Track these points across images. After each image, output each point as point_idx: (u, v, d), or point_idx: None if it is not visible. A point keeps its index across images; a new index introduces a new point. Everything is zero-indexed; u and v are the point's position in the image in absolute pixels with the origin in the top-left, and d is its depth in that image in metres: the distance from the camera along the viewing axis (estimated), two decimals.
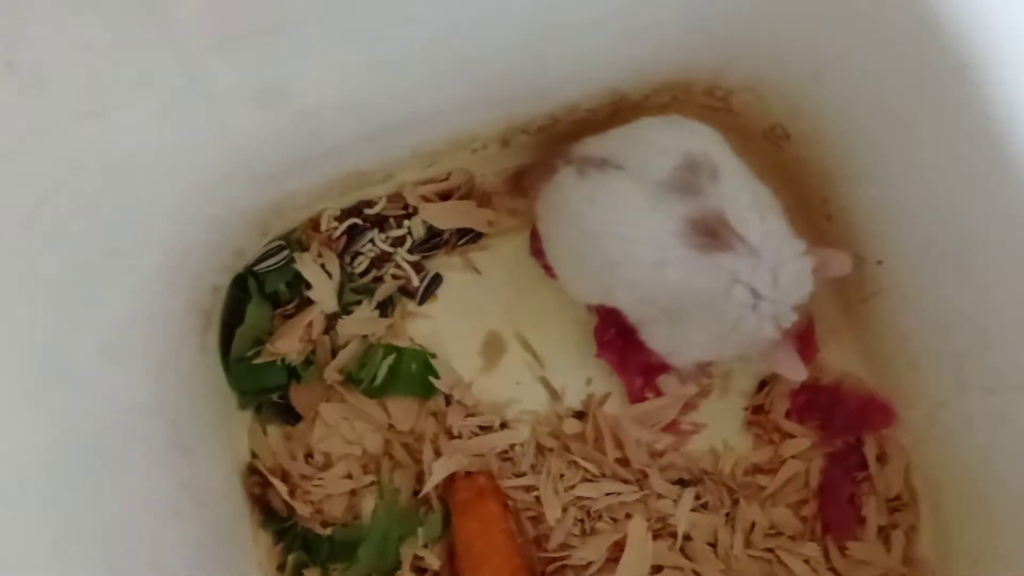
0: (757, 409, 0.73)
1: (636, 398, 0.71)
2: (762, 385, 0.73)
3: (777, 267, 0.57)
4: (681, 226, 0.57)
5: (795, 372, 0.59)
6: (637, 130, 0.62)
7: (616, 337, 0.70)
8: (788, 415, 0.71)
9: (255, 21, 0.44)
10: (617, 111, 0.71)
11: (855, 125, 0.65)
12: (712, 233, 0.57)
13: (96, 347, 0.51)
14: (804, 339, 0.72)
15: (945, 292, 0.61)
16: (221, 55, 0.45)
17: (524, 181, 0.69)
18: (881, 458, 0.71)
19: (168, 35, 0.41)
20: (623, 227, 0.58)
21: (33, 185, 0.40)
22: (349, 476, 0.69)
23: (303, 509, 0.67)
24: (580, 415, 0.72)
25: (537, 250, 0.70)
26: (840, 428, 0.71)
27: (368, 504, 0.68)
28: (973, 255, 0.58)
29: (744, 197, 0.58)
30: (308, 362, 0.70)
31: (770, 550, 0.69)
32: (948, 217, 0.59)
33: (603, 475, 0.70)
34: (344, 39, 0.49)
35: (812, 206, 0.72)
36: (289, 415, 0.70)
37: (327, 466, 0.70)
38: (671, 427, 0.71)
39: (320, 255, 0.71)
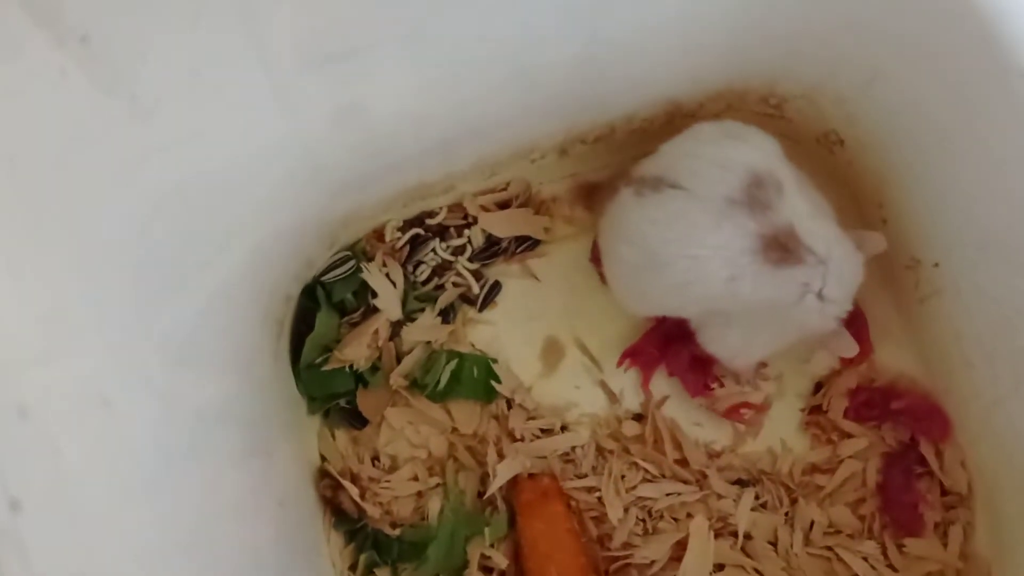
0: (814, 410, 0.74)
1: (697, 391, 0.72)
2: (818, 387, 0.74)
3: (841, 271, 0.59)
4: (754, 243, 0.58)
5: (848, 348, 0.62)
6: (690, 144, 0.62)
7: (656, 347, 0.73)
8: (846, 414, 0.72)
9: (340, 43, 0.46)
10: (671, 120, 0.73)
11: (909, 129, 0.66)
12: (784, 248, 0.58)
13: (180, 356, 0.53)
14: (859, 338, 0.73)
15: (1003, 291, 0.62)
16: (308, 74, 0.47)
17: (593, 198, 0.71)
18: (937, 455, 0.72)
19: (264, 58, 0.43)
20: (690, 246, 0.59)
21: (141, 205, 0.42)
22: (415, 478, 0.71)
23: (373, 510, 0.69)
24: (639, 417, 0.74)
25: (596, 257, 0.72)
26: (896, 431, 0.72)
27: (435, 505, 0.70)
28: None
29: (806, 208, 0.60)
30: (374, 368, 0.72)
31: (829, 548, 0.70)
32: (1005, 211, 0.59)
33: (663, 476, 0.71)
34: (419, 58, 0.51)
35: (867, 210, 0.73)
36: (356, 419, 0.72)
37: (393, 469, 0.72)
38: (733, 413, 0.72)
39: (385, 264, 0.73)
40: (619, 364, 0.74)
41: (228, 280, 0.54)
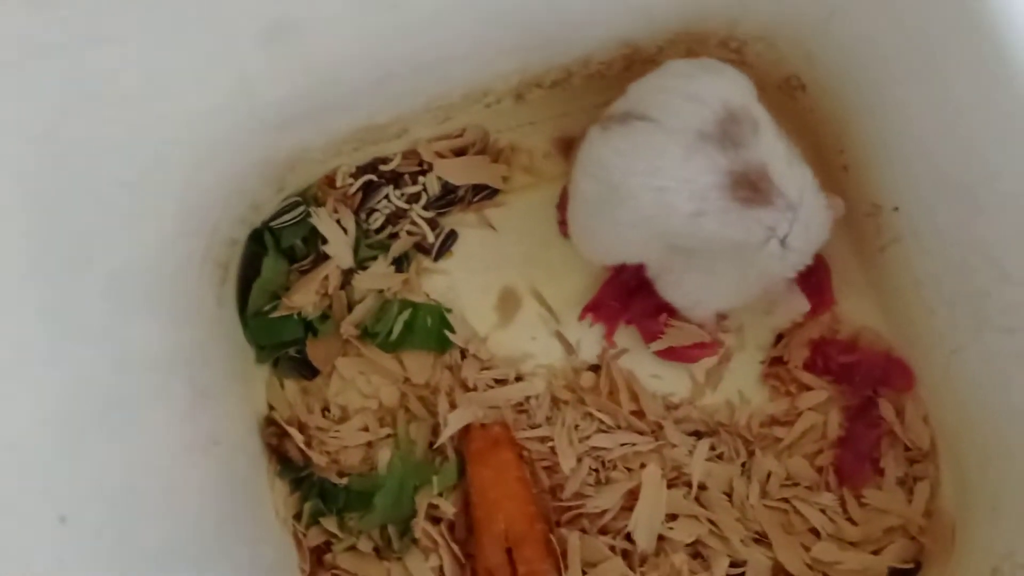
0: (774, 362, 0.72)
1: (653, 337, 0.71)
2: (779, 338, 0.73)
3: (809, 219, 0.58)
4: (723, 179, 0.56)
5: (798, 305, 0.59)
6: (662, 78, 0.60)
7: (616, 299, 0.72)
8: (806, 366, 0.71)
9: None
10: (630, 65, 0.71)
11: (867, 69, 0.64)
12: (754, 187, 0.56)
13: (116, 299, 0.52)
14: (820, 289, 0.72)
15: (961, 232, 0.61)
16: None
17: (574, 151, 0.68)
18: (899, 413, 0.70)
19: None
20: (656, 178, 0.57)
21: (40, 106, 0.41)
22: (365, 429, 0.70)
23: (319, 459, 0.67)
24: (595, 369, 0.72)
25: (563, 204, 0.70)
26: (859, 385, 0.71)
27: (384, 455, 0.69)
28: (988, 189, 0.57)
29: (782, 150, 0.58)
30: (324, 317, 0.71)
31: (786, 500, 0.69)
32: (962, 152, 0.58)
33: (618, 426, 0.70)
34: None
35: (829, 157, 0.72)
36: (306, 370, 0.71)
37: (344, 419, 0.70)
38: (685, 354, 0.71)
39: (336, 211, 0.72)
40: (581, 318, 0.73)
41: (157, 210, 0.53)
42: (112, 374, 0.51)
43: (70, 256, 0.48)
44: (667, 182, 0.57)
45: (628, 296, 0.72)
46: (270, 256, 0.69)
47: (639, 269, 0.68)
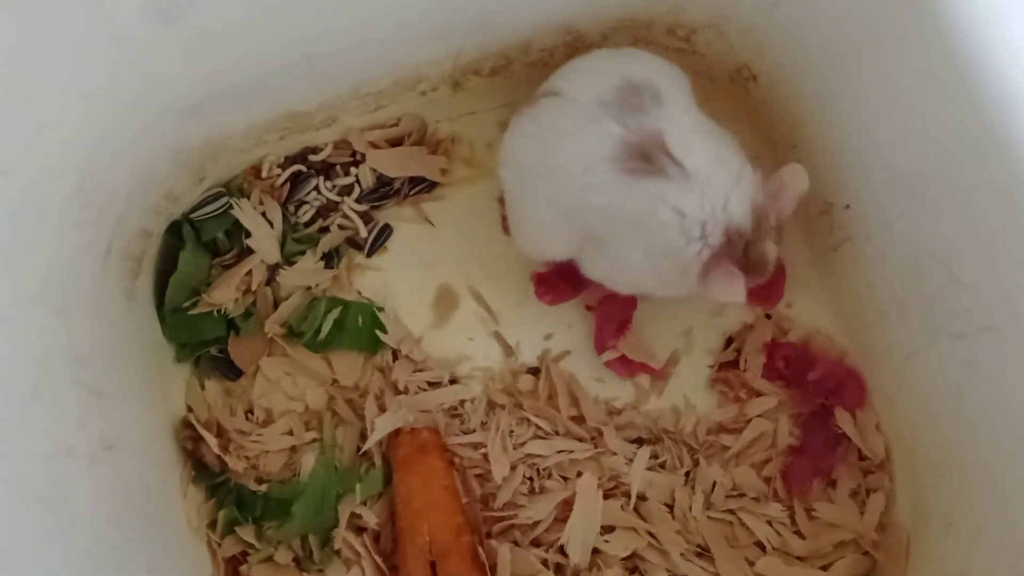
0: (724, 366, 0.69)
1: (602, 347, 0.68)
2: (729, 342, 0.70)
3: (706, 188, 0.54)
4: (615, 150, 0.54)
5: (733, 293, 0.55)
6: (579, 61, 0.59)
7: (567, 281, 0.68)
8: (764, 371, 0.68)
9: None
10: (574, 52, 0.68)
11: (815, 60, 0.61)
12: (645, 158, 0.54)
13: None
14: (774, 287, 0.69)
15: (913, 232, 0.57)
16: None
17: None
18: (852, 419, 0.67)
19: None
20: (550, 155, 0.56)
21: None
22: (290, 432, 0.66)
23: (236, 464, 0.64)
24: (535, 371, 0.69)
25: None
26: (811, 392, 0.67)
27: (308, 461, 0.65)
28: (939, 189, 0.54)
29: (687, 121, 0.55)
30: (248, 314, 0.67)
31: (731, 511, 0.65)
32: (913, 150, 0.55)
33: (556, 432, 0.66)
34: None
35: (782, 152, 0.69)
36: (230, 370, 0.67)
37: (268, 422, 0.67)
38: (627, 369, 0.68)
39: (261, 202, 0.68)
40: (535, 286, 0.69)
41: (44, 206, 0.49)
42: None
43: None
44: (559, 158, 0.56)
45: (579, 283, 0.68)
46: (188, 250, 0.65)
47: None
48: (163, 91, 0.53)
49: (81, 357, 0.52)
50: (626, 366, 0.68)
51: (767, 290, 0.69)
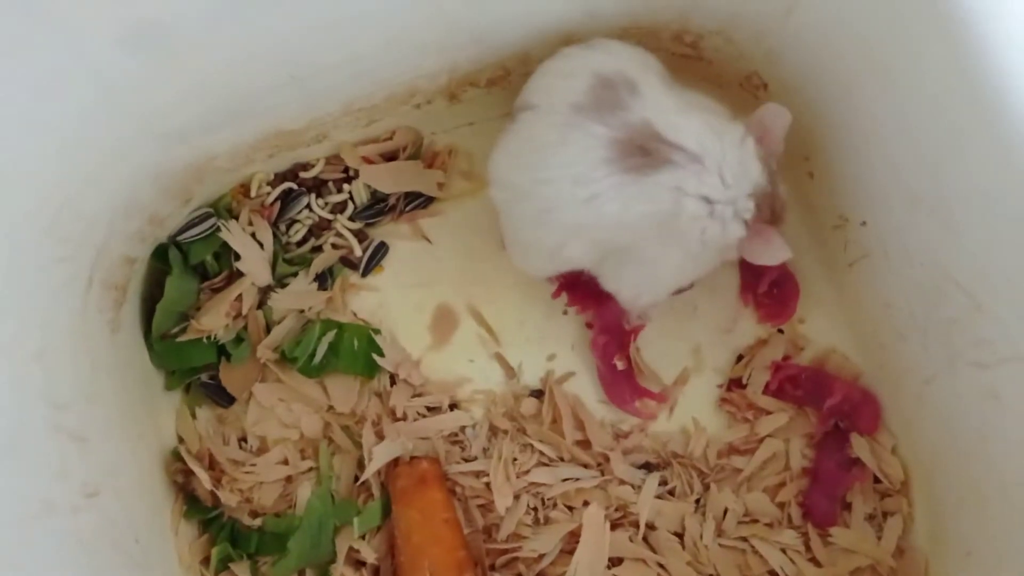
0: (732, 385, 0.66)
1: (606, 358, 0.65)
2: (740, 359, 0.67)
3: (722, 164, 0.51)
4: (608, 151, 0.51)
5: (778, 253, 0.53)
6: (546, 66, 0.56)
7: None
8: (767, 389, 0.65)
9: None
10: None
11: (832, 69, 0.58)
12: (643, 151, 0.51)
13: None
14: (783, 301, 0.66)
15: (933, 255, 0.54)
16: None
17: None
18: (868, 442, 0.64)
19: None
20: (539, 169, 0.53)
21: None
22: (285, 462, 0.64)
23: (229, 498, 0.62)
24: (538, 394, 0.66)
25: None
26: (825, 414, 0.65)
27: (304, 492, 0.63)
28: (963, 212, 0.51)
29: (669, 103, 0.53)
30: (240, 339, 0.65)
31: (744, 539, 0.63)
32: (935, 170, 0.52)
33: (561, 459, 0.64)
34: None
35: (794, 162, 0.65)
36: (222, 396, 0.65)
37: (263, 451, 0.65)
38: (627, 401, 0.65)
39: (251, 223, 0.65)
40: (555, 296, 0.67)
41: (15, 245, 0.46)
42: None
43: None
44: (548, 172, 0.53)
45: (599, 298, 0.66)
46: (175, 275, 0.63)
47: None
48: (140, 117, 0.50)
49: (60, 402, 0.50)
50: (627, 390, 0.65)
51: (780, 305, 0.67)
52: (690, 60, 0.66)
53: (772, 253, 0.54)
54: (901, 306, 0.59)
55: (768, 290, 0.67)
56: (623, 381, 0.66)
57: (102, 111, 0.47)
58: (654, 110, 0.52)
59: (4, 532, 0.43)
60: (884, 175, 0.57)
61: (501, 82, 0.65)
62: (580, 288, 0.66)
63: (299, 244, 0.67)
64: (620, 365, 0.66)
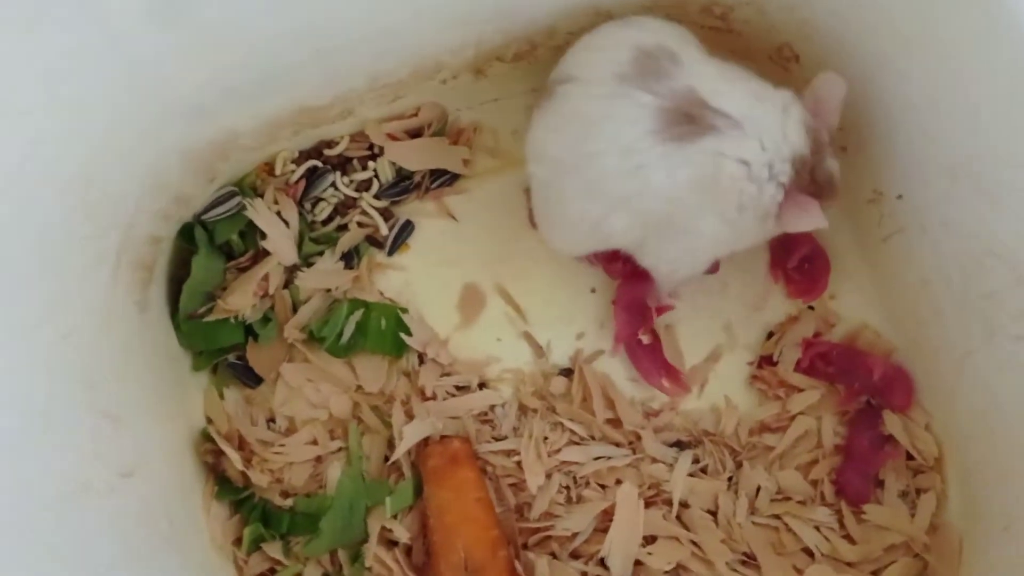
0: (763, 362, 0.66)
1: (626, 335, 0.65)
2: (770, 336, 0.66)
3: (760, 128, 0.51)
4: (654, 121, 0.51)
5: (812, 221, 0.53)
6: (585, 41, 0.56)
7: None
8: (798, 366, 0.64)
9: None
10: None
11: (867, 38, 0.57)
12: (689, 119, 0.51)
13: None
14: (813, 277, 0.66)
15: (973, 227, 0.54)
16: None
17: None
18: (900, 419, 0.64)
19: None
20: (585, 143, 0.52)
21: None
22: (314, 442, 0.63)
23: (260, 479, 0.61)
24: (567, 373, 0.66)
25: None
26: (856, 390, 0.64)
27: (334, 472, 0.62)
28: (1005, 183, 0.50)
29: (711, 70, 0.53)
30: (267, 319, 0.64)
31: (777, 516, 0.62)
32: (976, 141, 0.51)
33: (592, 437, 0.63)
34: None
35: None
36: (249, 376, 0.64)
37: (291, 431, 0.64)
38: (653, 374, 0.65)
39: (276, 201, 0.65)
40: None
41: (46, 223, 0.45)
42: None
43: None
44: (594, 145, 0.53)
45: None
46: (201, 254, 0.62)
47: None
48: (166, 94, 0.49)
49: (93, 381, 0.49)
50: (653, 365, 0.65)
51: (810, 281, 0.66)
52: (719, 33, 0.65)
53: (807, 220, 0.53)
54: (938, 280, 0.58)
55: (798, 266, 0.67)
56: (649, 356, 0.65)
57: (128, 87, 0.46)
58: (698, 77, 0.52)
59: (43, 513, 0.42)
60: (922, 147, 0.56)
61: (527, 56, 0.64)
62: (612, 262, 0.66)
63: (324, 223, 0.66)
64: (645, 339, 0.65)
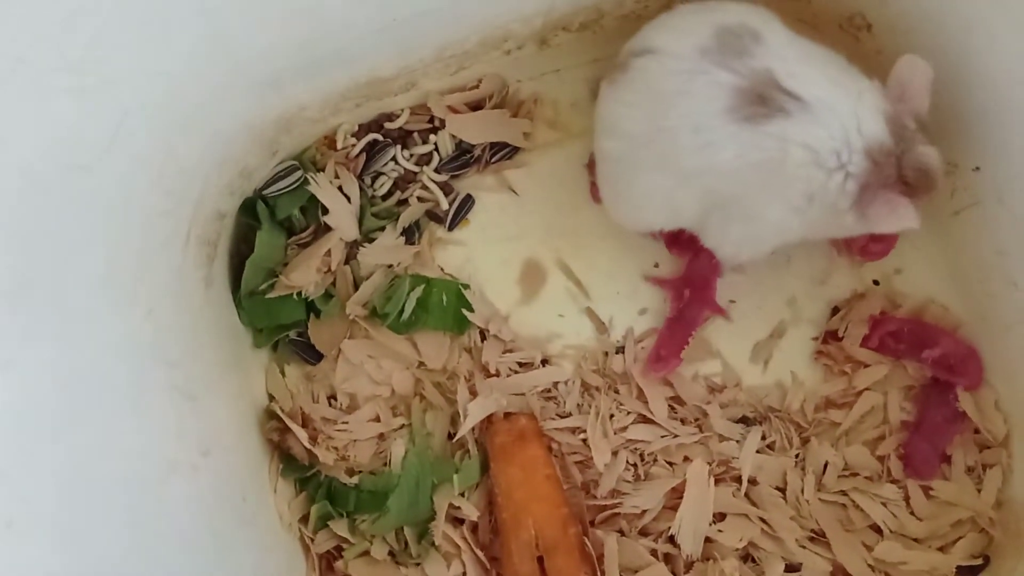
0: (828, 337, 0.65)
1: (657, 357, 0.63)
2: (834, 312, 0.65)
3: (830, 114, 0.50)
4: (729, 100, 0.50)
5: (903, 219, 0.51)
6: (663, 20, 0.55)
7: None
8: (864, 342, 0.63)
9: None
10: (669, 3, 0.62)
11: (950, 8, 0.55)
12: (761, 100, 0.50)
13: (84, 288, 0.44)
14: (886, 243, 0.64)
15: None
16: None
17: None
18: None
19: None
20: (658, 118, 0.52)
21: None
22: (377, 419, 0.63)
23: (326, 456, 0.61)
24: (624, 351, 0.65)
25: (592, 164, 0.63)
26: (925, 368, 0.63)
27: (398, 450, 0.62)
28: None
29: (792, 52, 0.52)
30: (328, 295, 0.63)
31: (844, 493, 0.62)
32: None
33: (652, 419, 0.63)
34: None
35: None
36: (310, 353, 0.64)
37: (352, 408, 0.63)
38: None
39: (337, 176, 0.64)
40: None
41: (127, 189, 0.45)
42: (72, 363, 0.43)
43: (28, 249, 0.40)
44: (671, 120, 0.52)
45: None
46: (264, 230, 0.61)
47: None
48: (244, 64, 0.48)
49: (172, 359, 0.49)
50: (672, 341, 0.64)
51: (877, 241, 0.64)
52: (788, 0, 0.63)
53: (895, 219, 0.52)
54: (1015, 253, 0.58)
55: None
56: (675, 337, 0.64)
57: (212, 56, 0.45)
58: (777, 59, 0.51)
59: (137, 494, 0.42)
60: (1002, 119, 0.55)
61: (593, 26, 0.63)
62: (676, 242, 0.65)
63: (384, 197, 0.65)
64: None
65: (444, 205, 0.65)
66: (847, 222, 0.53)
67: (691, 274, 0.64)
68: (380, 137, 0.65)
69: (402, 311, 0.63)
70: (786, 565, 0.60)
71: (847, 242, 0.65)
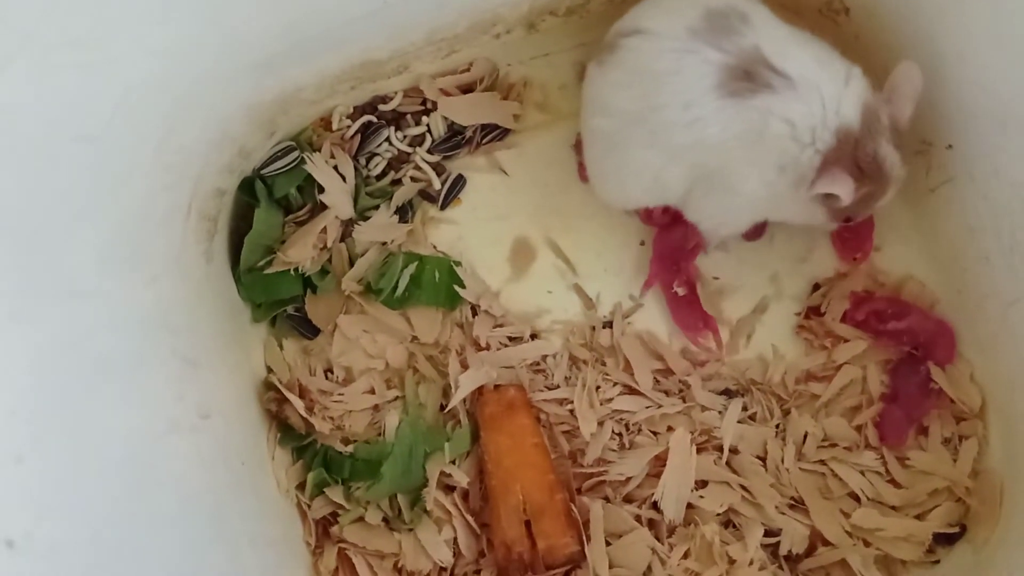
0: (810, 313, 0.67)
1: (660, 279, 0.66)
2: (815, 288, 0.67)
3: (813, 92, 0.53)
4: (717, 76, 0.52)
5: (838, 186, 0.53)
6: (653, 1, 0.57)
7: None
8: (844, 318, 0.65)
9: None
10: None
11: None
12: (748, 76, 0.52)
13: (89, 255, 0.46)
14: (860, 235, 0.66)
15: (1022, 175, 0.54)
16: None
17: None
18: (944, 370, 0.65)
19: None
20: (650, 96, 0.54)
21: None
22: (371, 391, 0.65)
23: (322, 426, 0.63)
24: (611, 325, 0.67)
25: (579, 144, 0.65)
26: (900, 343, 0.65)
27: (392, 420, 0.64)
28: None
29: (778, 33, 0.54)
30: (324, 272, 0.66)
31: (823, 462, 0.64)
32: None
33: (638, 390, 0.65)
34: None
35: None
36: (307, 328, 0.66)
37: (348, 381, 0.66)
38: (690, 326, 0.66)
39: (333, 156, 0.66)
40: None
41: (132, 163, 0.47)
42: (85, 331, 0.45)
43: (38, 219, 0.42)
44: (662, 99, 0.54)
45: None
46: (262, 207, 0.63)
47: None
48: (244, 47, 0.50)
49: (173, 326, 0.51)
50: (691, 317, 0.66)
51: (857, 240, 0.67)
52: None
53: (830, 185, 0.54)
54: (987, 229, 0.60)
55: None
56: (687, 308, 0.67)
57: (209, 35, 0.47)
58: (765, 37, 0.53)
59: (142, 449, 0.44)
60: (974, 97, 0.57)
61: (579, 11, 0.65)
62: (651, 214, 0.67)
63: (379, 177, 0.67)
64: (680, 292, 0.66)
65: (436, 185, 0.68)
66: (802, 196, 0.56)
67: (660, 249, 0.66)
68: (374, 119, 0.67)
69: (396, 287, 0.65)
70: (765, 530, 0.62)
71: (836, 244, 0.67)
